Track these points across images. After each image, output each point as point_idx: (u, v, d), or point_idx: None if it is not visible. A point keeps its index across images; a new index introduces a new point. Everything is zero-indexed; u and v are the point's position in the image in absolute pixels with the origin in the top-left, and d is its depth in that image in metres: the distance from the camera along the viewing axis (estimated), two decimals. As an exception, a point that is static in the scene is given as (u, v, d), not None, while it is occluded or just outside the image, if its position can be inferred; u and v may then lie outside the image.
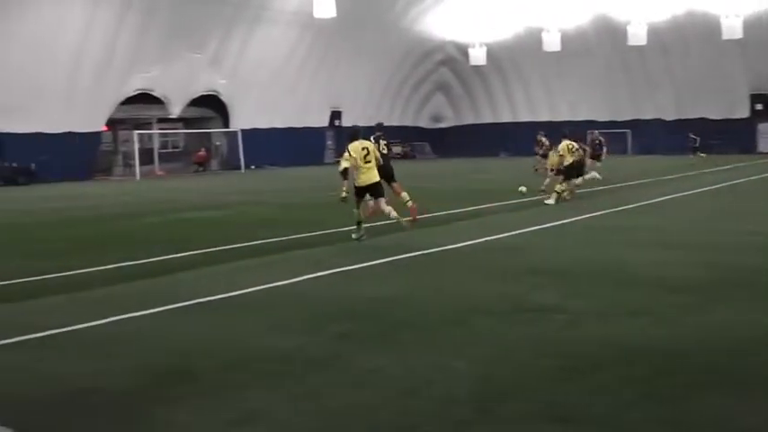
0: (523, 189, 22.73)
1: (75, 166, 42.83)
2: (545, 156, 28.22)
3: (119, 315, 8.39)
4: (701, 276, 9.88)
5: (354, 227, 14.06)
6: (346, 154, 14.04)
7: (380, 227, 16.00)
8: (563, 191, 20.97)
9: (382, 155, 15.18)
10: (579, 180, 22.46)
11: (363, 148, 14.07)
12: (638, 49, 52.59)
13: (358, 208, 14.18)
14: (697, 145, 46.17)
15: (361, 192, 14.22)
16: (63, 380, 6.26)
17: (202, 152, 51.49)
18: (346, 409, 5.39)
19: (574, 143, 21.67)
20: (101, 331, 7.89)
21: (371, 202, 14.66)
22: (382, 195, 14.57)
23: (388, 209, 14.56)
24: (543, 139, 32.98)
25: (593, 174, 25.47)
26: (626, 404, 5.29)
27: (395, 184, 17.05)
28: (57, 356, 7.00)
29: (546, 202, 20.46)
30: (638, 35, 51.12)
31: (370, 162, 14.04)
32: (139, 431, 5.14)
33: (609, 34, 54.64)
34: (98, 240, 16.01)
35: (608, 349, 6.62)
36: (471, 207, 19.56)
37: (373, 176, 14.14)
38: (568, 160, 21.17)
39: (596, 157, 28.34)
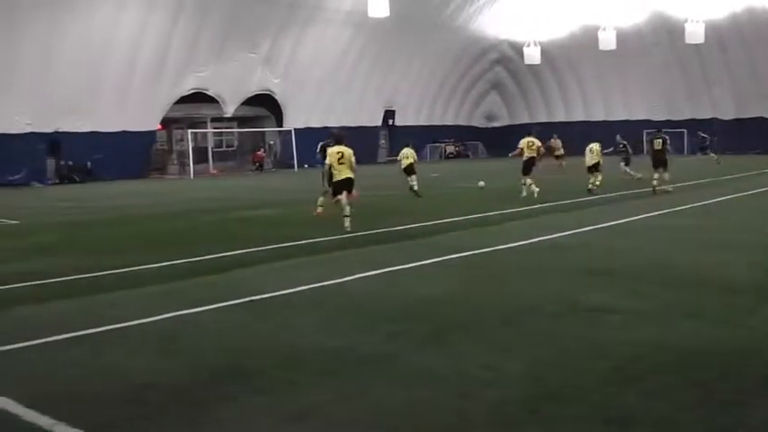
0: (482, 183, 25.51)
1: (130, 164, 43.50)
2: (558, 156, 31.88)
3: (173, 312, 8.51)
4: (758, 278, 9.68)
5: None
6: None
7: (431, 227, 16.01)
8: (530, 183, 22.36)
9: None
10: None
11: (338, 152, 16.38)
12: (696, 47, 51.64)
13: (336, 202, 16.49)
14: (707, 144, 44.21)
15: (337, 187, 16.30)
16: (121, 375, 6.37)
17: (261, 152, 51.79)
18: (397, 409, 5.39)
19: (534, 140, 23.55)
20: (156, 327, 8.00)
21: (342, 197, 16.27)
22: (350, 191, 16.37)
23: (347, 206, 16.13)
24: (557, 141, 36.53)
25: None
26: (681, 408, 5.20)
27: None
28: (114, 352, 7.11)
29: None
30: (695, 33, 49.98)
31: (343, 164, 16.24)
32: (197, 428, 5.18)
33: (666, 32, 53.83)
34: (152, 238, 16.22)
35: (663, 351, 6.51)
36: (523, 207, 19.42)
37: (346, 174, 16.25)
38: (526, 155, 23.00)
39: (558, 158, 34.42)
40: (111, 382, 6.17)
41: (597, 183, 23.71)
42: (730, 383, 5.69)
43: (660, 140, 23.45)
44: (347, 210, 15.83)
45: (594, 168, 23.97)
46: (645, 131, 29.22)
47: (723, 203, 20.09)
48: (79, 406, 5.62)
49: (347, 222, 15.67)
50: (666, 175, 23.09)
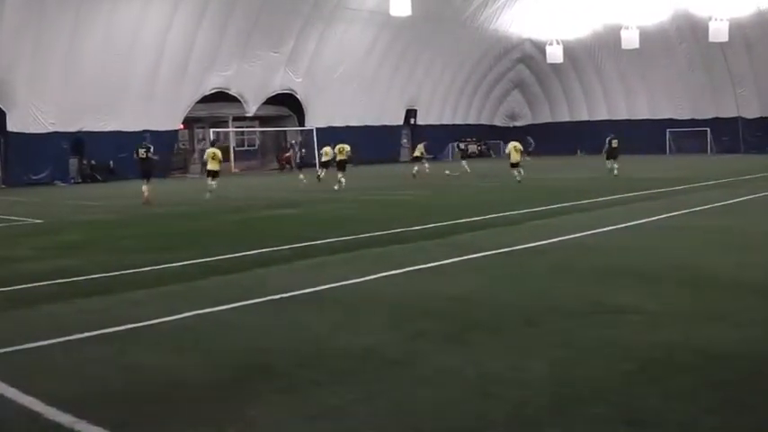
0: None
1: (152, 163, 43.71)
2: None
3: (196, 310, 8.56)
4: (783, 279, 9.61)
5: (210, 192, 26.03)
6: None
7: (451, 226, 15.99)
8: (340, 177, 29.51)
9: (142, 159, 26.22)
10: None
11: (212, 152, 27.39)
12: (720, 45, 51.18)
13: (211, 183, 26.65)
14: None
15: (209, 173, 26.95)
16: (145, 373, 6.42)
17: (289, 152, 51.74)
18: (420, 408, 5.39)
19: (345, 146, 30.83)
20: (179, 325, 8.05)
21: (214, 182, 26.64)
22: (218, 176, 27.15)
23: (212, 186, 26.53)
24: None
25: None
26: (704, 410, 5.17)
27: (148, 181, 25.63)
28: (138, 350, 7.16)
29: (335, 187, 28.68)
30: (720, 31, 49.45)
31: (215, 159, 26.97)
32: (221, 427, 5.20)
33: (690, 31, 53.49)
34: (174, 237, 16.32)
35: (686, 353, 6.48)
36: (544, 207, 19.36)
37: (215, 167, 26.93)
38: (340, 157, 30.43)
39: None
40: (135, 381, 6.21)
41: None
42: (753, 386, 5.65)
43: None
44: (214, 187, 26.20)
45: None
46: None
47: (744, 203, 19.90)
48: (102, 404, 5.65)
49: (208, 195, 25.72)
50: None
